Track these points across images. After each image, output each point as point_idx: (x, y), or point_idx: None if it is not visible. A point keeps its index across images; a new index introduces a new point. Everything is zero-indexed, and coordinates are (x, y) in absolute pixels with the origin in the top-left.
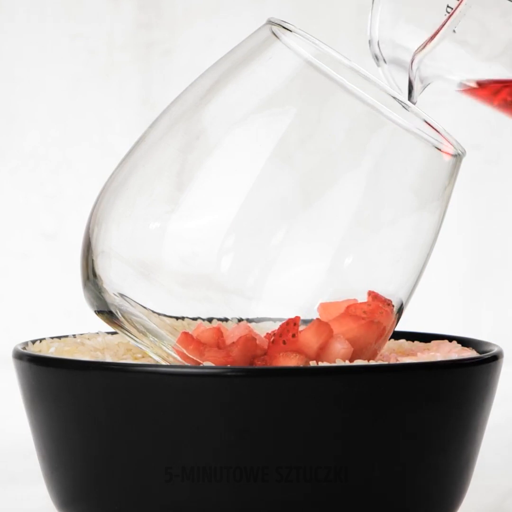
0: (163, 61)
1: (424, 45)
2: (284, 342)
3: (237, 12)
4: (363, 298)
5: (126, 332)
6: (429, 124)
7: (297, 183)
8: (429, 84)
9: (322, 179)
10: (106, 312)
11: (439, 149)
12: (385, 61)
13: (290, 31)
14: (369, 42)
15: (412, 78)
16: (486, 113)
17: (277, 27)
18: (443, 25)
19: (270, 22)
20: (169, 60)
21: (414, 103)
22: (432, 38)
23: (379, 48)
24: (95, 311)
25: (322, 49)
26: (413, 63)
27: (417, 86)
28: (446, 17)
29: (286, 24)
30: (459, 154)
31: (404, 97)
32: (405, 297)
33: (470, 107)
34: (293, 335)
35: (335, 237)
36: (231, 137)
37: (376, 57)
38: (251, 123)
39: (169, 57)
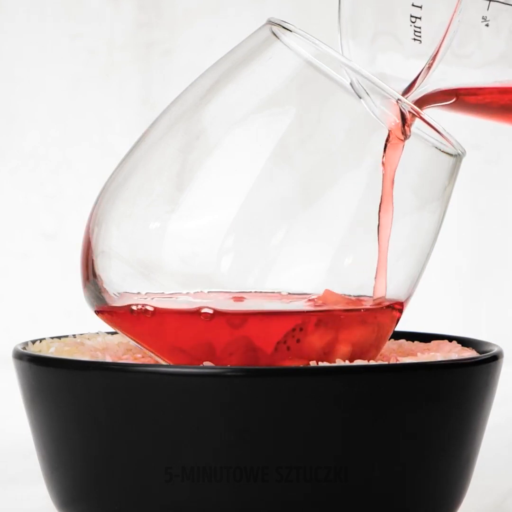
0: (163, 61)
1: (415, 85)
2: (288, 348)
3: (237, 12)
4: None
5: None
6: (429, 124)
7: (297, 183)
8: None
9: (322, 179)
10: (106, 312)
11: (439, 149)
12: (368, 94)
13: (290, 31)
14: (351, 84)
15: (405, 111)
16: None
17: (277, 27)
18: (435, 55)
19: (270, 22)
20: (169, 60)
21: (408, 137)
22: (428, 68)
23: (362, 85)
24: (95, 311)
25: (322, 49)
26: (408, 100)
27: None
28: (435, 47)
29: (286, 24)
30: (459, 154)
31: (404, 98)
32: (405, 297)
33: None
34: (298, 341)
35: (335, 237)
36: (231, 137)
37: (359, 96)
38: (251, 123)
39: (169, 57)
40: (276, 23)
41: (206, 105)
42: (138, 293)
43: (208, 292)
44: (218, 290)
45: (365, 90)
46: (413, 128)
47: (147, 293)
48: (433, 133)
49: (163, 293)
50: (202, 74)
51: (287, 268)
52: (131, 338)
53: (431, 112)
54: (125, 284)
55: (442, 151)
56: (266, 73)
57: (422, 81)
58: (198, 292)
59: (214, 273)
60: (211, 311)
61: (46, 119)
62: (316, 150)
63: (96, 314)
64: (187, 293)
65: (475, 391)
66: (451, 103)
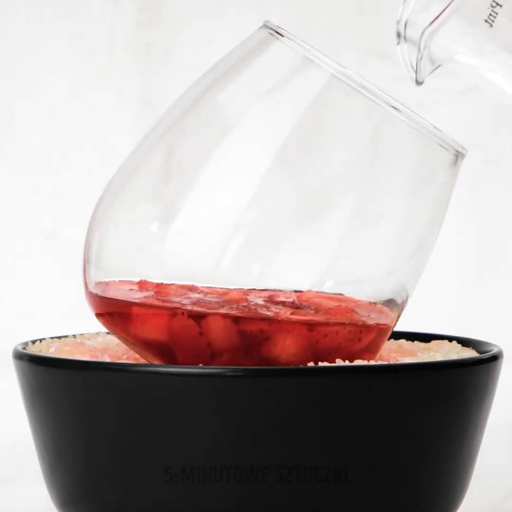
0: (163, 61)
1: (433, 20)
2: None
3: (237, 12)
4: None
5: None
6: (430, 124)
7: (297, 183)
8: (439, 66)
9: (321, 178)
10: (106, 314)
11: (440, 149)
12: (405, 40)
13: (282, 36)
14: (397, 21)
15: (419, 57)
16: (486, 113)
17: (270, 31)
18: None
19: (265, 26)
20: (169, 60)
21: (421, 83)
22: (442, 12)
23: (405, 27)
24: (95, 314)
25: (314, 54)
26: (421, 40)
27: (424, 65)
28: None
29: (280, 29)
30: (459, 154)
31: (402, 100)
32: (405, 296)
33: (470, 107)
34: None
35: (335, 237)
36: (230, 138)
37: (398, 35)
38: (250, 124)
39: (169, 57)
40: (270, 28)
41: (205, 107)
42: (137, 291)
43: (207, 292)
44: (216, 290)
45: (405, 36)
46: (413, 128)
47: (145, 292)
48: (433, 133)
49: (161, 291)
50: (200, 77)
51: (287, 268)
52: (129, 340)
53: (432, 112)
54: (125, 285)
55: (442, 151)
56: (265, 73)
57: (428, 33)
58: (196, 291)
59: (214, 273)
60: (205, 309)
61: (46, 119)
62: (316, 150)
63: (97, 317)
64: (185, 292)
65: (475, 391)
66: None
